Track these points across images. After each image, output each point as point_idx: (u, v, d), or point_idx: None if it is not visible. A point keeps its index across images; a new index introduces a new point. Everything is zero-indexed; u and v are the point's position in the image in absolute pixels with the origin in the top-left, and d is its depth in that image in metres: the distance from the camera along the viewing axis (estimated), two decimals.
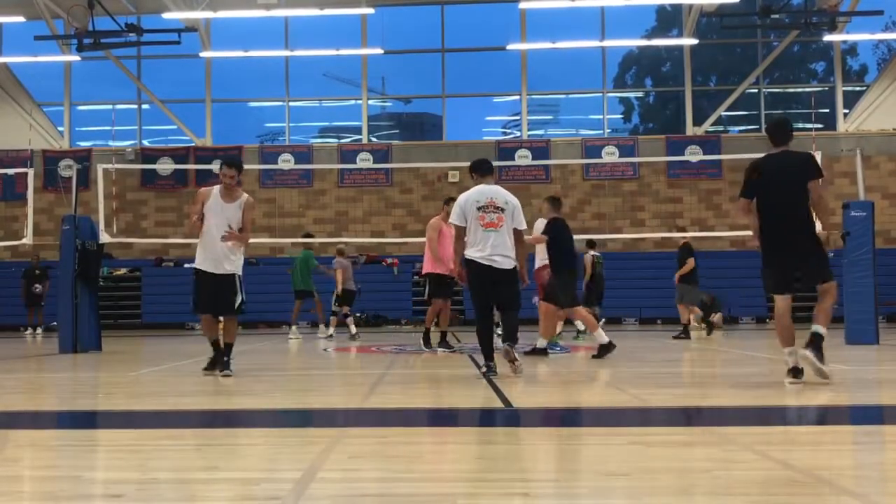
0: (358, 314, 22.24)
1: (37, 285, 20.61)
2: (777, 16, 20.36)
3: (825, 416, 5.60)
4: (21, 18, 22.44)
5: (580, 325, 13.80)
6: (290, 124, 25.41)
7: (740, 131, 25.64)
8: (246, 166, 25.21)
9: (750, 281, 21.75)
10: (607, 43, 24.42)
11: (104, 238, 13.39)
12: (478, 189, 7.93)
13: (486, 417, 5.64)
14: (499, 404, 5.99)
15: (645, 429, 5.08)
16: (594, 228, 23.19)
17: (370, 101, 25.57)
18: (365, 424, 5.42)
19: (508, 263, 7.74)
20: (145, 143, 25.43)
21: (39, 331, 20.37)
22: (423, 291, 12.13)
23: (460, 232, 7.83)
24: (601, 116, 25.33)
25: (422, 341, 11.90)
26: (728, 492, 3.29)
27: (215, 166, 23.06)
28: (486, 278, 7.68)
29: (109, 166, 15.71)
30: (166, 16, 21.08)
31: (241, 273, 8.36)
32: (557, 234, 10.72)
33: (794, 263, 7.07)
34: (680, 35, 24.86)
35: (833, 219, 17.67)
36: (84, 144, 25.57)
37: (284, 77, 25.10)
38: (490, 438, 4.79)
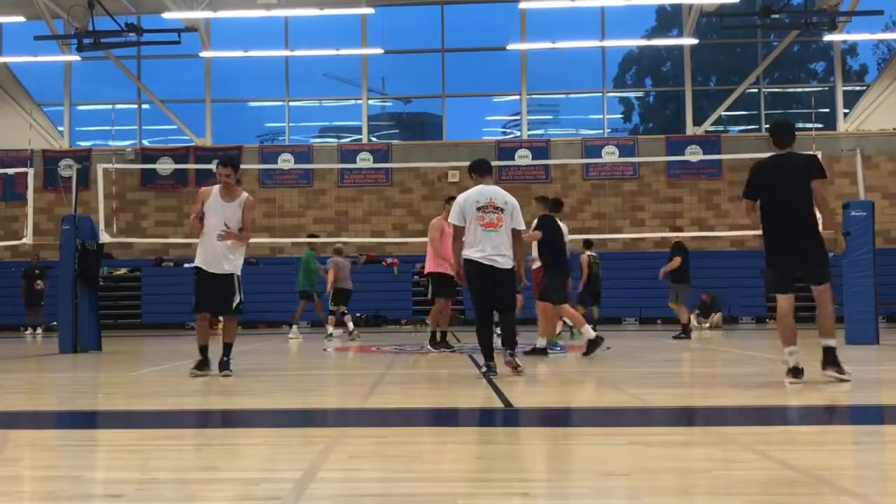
0: (358, 314, 22.25)
1: (38, 281, 20.58)
2: (777, 16, 20.36)
3: (825, 416, 5.60)
4: (21, 18, 22.44)
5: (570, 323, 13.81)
6: (290, 124, 25.41)
7: (740, 131, 25.64)
8: (246, 166, 25.28)
9: (750, 281, 21.83)
10: (607, 43, 24.42)
11: (104, 238, 13.39)
12: (477, 189, 7.94)
13: (486, 417, 5.64)
14: (499, 404, 5.99)
15: (645, 429, 5.08)
16: (594, 228, 23.19)
17: (370, 101, 25.57)
18: (365, 424, 5.42)
19: (508, 263, 7.77)
20: (145, 142, 25.43)
21: (39, 331, 20.37)
22: (426, 291, 12.15)
23: (459, 232, 7.85)
24: (601, 116, 25.33)
25: (429, 343, 11.93)
26: (728, 492, 3.29)
27: (215, 166, 22.97)
28: (487, 278, 7.69)
29: (109, 166, 15.71)
30: (166, 16, 21.08)
31: (239, 273, 8.36)
32: (548, 232, 10.72)
33: (798, 264, 7.11)
34: (680, 35, 24.86)
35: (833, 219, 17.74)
36: (84, 144, 25.57)
37: (284, 77, 25.10)
38: (490, 438, 4.79)
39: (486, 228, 7.72)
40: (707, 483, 3.45)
